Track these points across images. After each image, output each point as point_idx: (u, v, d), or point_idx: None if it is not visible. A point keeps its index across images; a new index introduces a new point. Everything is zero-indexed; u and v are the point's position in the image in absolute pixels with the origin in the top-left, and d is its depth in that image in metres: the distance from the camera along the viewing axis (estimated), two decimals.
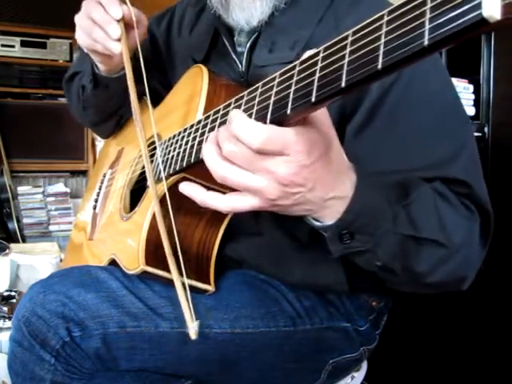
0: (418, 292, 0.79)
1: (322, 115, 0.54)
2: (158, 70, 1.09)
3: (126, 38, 0.83)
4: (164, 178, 0.74)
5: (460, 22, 0.35)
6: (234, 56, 0.90)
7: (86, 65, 1.01)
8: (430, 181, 0.72)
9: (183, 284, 0.68)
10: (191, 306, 0.65)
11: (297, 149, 0.52)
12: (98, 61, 0.94)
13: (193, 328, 0.65)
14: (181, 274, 0.71)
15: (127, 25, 0.84)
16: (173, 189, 0.73)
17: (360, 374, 0.99)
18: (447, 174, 0.73)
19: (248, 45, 0.88)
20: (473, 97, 1.54)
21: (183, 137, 0.73)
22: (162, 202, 0.73)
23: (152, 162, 0.83)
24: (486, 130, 1.50)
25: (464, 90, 1.55)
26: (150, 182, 0.73)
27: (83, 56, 1.05)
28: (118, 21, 0.83)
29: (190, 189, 0.63)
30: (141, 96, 0.83)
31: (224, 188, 0.79)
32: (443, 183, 0.72)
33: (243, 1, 0.84)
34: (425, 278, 0.70)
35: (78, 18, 0.87)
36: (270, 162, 0.52)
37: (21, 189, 3.01)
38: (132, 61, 0.83)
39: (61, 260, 1.91)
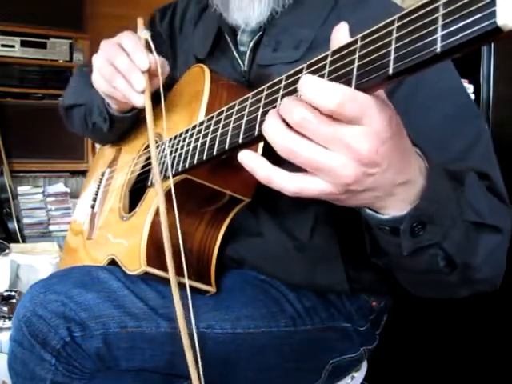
0: (452, 296, 0.74)
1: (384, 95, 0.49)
2: None
3: (150, 88, 0.78)
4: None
5: (473, 29, 0.35)
6: (236, 55, 0.90)
7: (89, 99, 0.98)
8: None
9: (184, 286, 0.67)
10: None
11: (378, 119, 0.45)
12: (111, 103, 0.90)
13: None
14: (182, 274, 0.71)
15: (150, 73, 0.78)
16: (174, 190, 0.73)
17: (360, 374, 0.99)
18: (468, 166, 0.71)
19: (251, 44, 0.88)
20: (473, 97, 1.54)
21: (185, 138, 0.73)
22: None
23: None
24: None
25: None
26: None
27: (81, 88, 1.03)
28: (144, 72, 0.77)
29: (251, 160, 0.50)
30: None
31: (226, 189, 0.79)
32: None
33: (242, 1, 0.83)
34: (475, 273, 0.66)
35: (97, 61, 0.82)
36: (348, 134, 0.45)
37: (21, 189, 3.01)
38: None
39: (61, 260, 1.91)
